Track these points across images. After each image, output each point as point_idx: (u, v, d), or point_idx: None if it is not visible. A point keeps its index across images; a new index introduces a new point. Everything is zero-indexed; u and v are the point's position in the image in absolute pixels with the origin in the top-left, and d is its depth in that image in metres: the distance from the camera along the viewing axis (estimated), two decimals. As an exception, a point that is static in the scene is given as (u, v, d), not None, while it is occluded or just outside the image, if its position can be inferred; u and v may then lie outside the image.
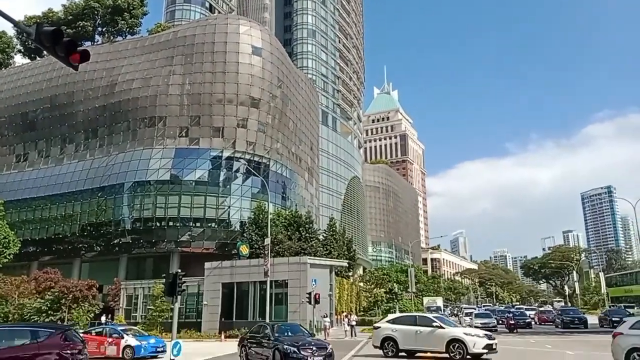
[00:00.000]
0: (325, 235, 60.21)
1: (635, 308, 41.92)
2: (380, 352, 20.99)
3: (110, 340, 24.11)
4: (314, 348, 17.51)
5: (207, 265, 43.36)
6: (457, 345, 18.59)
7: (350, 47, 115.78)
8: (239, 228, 57.18)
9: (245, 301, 41.26)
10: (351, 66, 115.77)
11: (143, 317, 45.21)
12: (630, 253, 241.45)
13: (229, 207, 60.05)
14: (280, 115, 67.60)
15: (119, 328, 26.14)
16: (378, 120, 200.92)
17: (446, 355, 18.87)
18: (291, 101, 71.46)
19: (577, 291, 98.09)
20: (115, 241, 58.20)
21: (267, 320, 34.71)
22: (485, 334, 19.30)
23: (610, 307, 48.52)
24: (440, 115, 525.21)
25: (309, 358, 16.97)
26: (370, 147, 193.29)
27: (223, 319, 39.93)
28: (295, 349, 17.15)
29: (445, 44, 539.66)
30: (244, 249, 44.53)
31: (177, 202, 57.64)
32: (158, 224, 57.75)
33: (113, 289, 49.27)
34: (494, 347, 18.60)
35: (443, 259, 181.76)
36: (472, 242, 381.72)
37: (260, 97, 63.84)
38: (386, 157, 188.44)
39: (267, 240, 37.55)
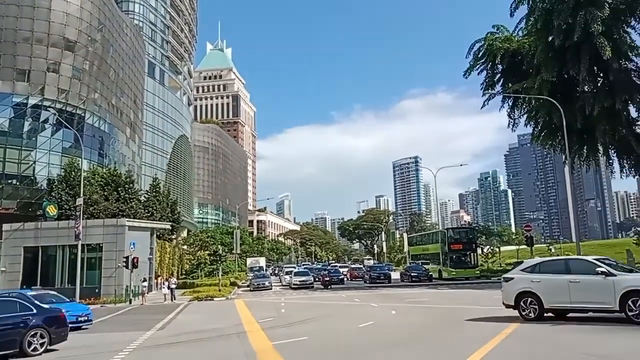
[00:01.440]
0: (147, 196, 57.18)
1: (430, 264, 47.97)
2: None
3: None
4: None
5: (5, 227, 38.33)
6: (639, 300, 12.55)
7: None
8: (46, 186, 51.36)
9: (52, 267, 37.57)
10: (183, 17, 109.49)
11: None
12: (429, 216, 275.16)
13: (35, 162, 53.57)
14: (100, 62, 61.56)
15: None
16: (210, 78, 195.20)
17: (621, 314, 12.96)
18: (113, 47, 65.44)
19: (385, 250, 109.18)
20: None
21: (78, 287, 32.12)
22: None
23: (410, 263, 54.61)
24: (273, 80, 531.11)
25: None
26: (201, 106, 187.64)
27: (24, 287, 35.78)
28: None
29: (287, 12, 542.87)
30: (52, 210, 40.22)
31: (-33, 153, 49.55)
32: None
33: None
34: None
35: (269, 221, 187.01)
36: (296, 204, 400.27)
37: (77, 40, 57.27)
38: (217, 117, 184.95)
39: (80, 201, 34.29)
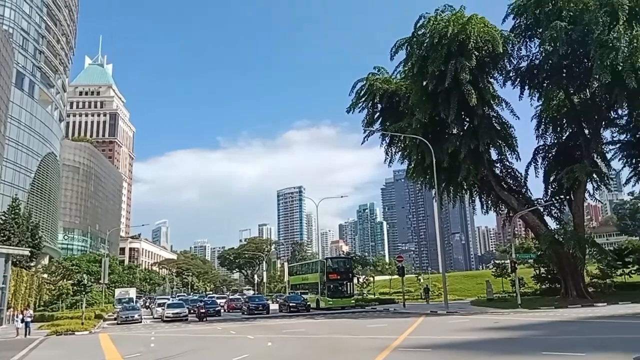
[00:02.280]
0: (4, 218, 51.34)
1: (309, 294, 48.29)
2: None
3: None
4: None
5: None
6: None
7: (62, 6, 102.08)
8: None
9: None
10: (60, 27, 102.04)
11: None
12: (310, 246, 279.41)
13: None
14: (-46, 68, 54.89)
15: None
16: (87, 94, 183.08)
17: None
18: (-28, 52, 58.78)
19: (265, 279, 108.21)
20: None
21: None
22: None
23: (289, 293, 54.54)
24: (157, 101, 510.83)
25: None
26: (74, 122, 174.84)
27: None
28: None
29: (178, 37, 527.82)
30: None
31: None
32: None
33: None
34: None
35: (143, 249, 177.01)
36: (174, 232, 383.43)
37: None
38: (92, 136, 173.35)
39: None
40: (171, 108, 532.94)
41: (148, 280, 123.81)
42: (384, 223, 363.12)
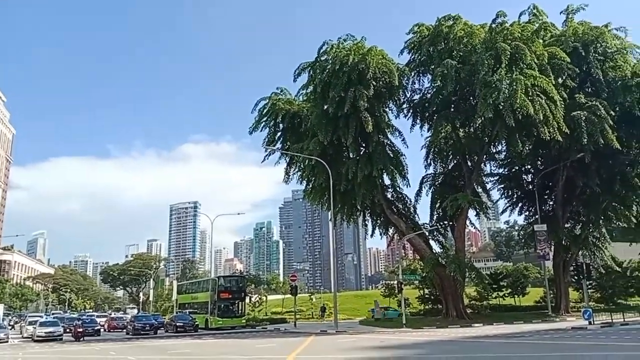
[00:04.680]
0: None
1: (199, 313, 46.67)
2: None
3: None
4: None
5: None
6: None
7: None
8: None
9: None
10: None
11: None
12: (203, 263, 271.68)
13: None
14: None
15: None
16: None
17: None
18: None
19: (152, 298, 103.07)
20: None
21: None
22: None
23: (177, 312, 52.38)
24: (45, 104, 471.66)
25: None
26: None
27: None
28: None
29: (70, 36, 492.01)
30: None
31: None
32: None
33: None
34: None
35: (15, 262, 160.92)
36: (53, 244, 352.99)
37: None
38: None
39: None
40: (60, 112, 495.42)
41: (19, 296, 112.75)
42: (281, 242, 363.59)
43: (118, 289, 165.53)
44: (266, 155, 44.16)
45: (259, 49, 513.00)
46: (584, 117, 34.51)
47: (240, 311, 45.51)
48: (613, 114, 35.35)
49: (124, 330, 45.95)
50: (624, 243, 56.45)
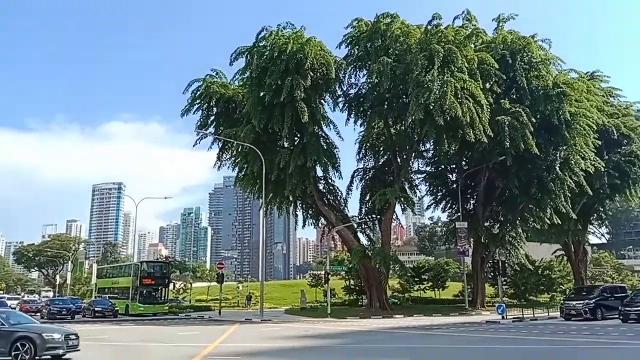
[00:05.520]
0: None
1: (119, 299, 45.13)
2: None
3: None
4: None
5: None
6: None
7: None
8: None
9: None
10: None
11: None
12: (126, 247, 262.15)
13: None
14: None
15: None
16: None
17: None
18: None
19: (69, 281, 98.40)
20: None
21: None
22: None
23: (96, 297, 50.43)
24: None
25: None
26: None
27: None
28: None
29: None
30: None
31: None
32: None
33: None
34: None
35: None
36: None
37: None
38: None
39: None
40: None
41: None
42: (209, 228, 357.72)
43: (33, 270, 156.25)
44: (198, 139, 43.19)
45: (194, 31, 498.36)
46: (507, 122, 36.33)
47: (162, 298, 44.41)
48: (534, 120, 37.37)
49: (38, 314, 43.64)
50: (537, 243, 60.41)
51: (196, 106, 41.67)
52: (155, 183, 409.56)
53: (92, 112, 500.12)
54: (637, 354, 15.75)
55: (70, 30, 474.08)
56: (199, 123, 42.42)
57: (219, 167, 44.37)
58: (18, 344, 14.90)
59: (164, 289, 44.95)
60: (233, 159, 43.36)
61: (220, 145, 43.14)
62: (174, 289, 58.05)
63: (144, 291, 43.02)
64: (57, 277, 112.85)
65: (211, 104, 41.51)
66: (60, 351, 15.35)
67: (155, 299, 43.47)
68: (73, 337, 15.92)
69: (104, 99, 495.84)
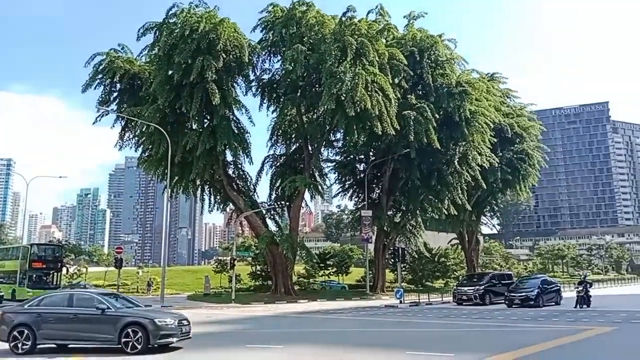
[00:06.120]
0: None
1: (4, 283, 41.86)
2: None
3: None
4: None
5: None
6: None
7: None
8: None
9: None
10: None
11: None
12: (14, 228, 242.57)
13: None
14: None
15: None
16: None
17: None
18: None
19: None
20: None
21: None
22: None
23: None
24: None
25: None
26: None
27: None
28: None
29: None
30: None
31: None
32: None
33: None
34: None
35: None
36: None
37: None
38: None
39: None
40: None
41: None
42: (108, 211, 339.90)
43: None
44: (98, 116, 40.66)
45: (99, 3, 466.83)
46: (412, 117, 37.95)
47: (54, 282, 41.74)
48: (437, 116, 39.38)
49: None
50: (435, 232, 63.96)
51: (98, 81, 39.24)
52: (50, 161, 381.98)
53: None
54: (518, 335, 17.28)
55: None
56: (100, 99, 40.02)
57: (120, 146, 42.27)
58: (129, 330, 13.13)
59: (55, 274, 42.35)
60: (137, 138, 41.45)
61: (122, 123, 41.04)
62: (67, 273, 54.65)
63: (34, 275, 40.27)
64: None
65: (115, 79, 39.18)
66: (175, 339, 13.60)
67: (46, 283, 40.77)
68: (185, 322, 14.11)
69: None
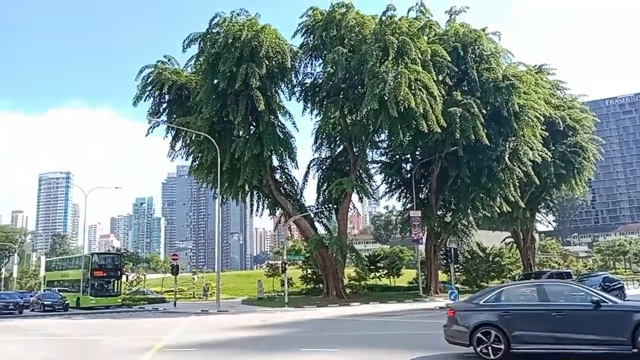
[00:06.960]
0: None
1: (69, 292, 43.88)
2: None
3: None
4: None
5: None
6: None
7: None
8: None
9: None
10: None
11: None
12: (75, 239, 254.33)
13: None
14: None
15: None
16: None
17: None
18: None
19: (15, 274, 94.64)
20: None
21: None
22: None
23: (45, 290, 48.87)
24: None
25: None
26: None
27: None
28: None
29: None
30: None
31: None
32: None
33: None
34: None
35: None
36: None
37: None
38: None
39: None
40: None
41: None
42: (162, 219, 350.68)
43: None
44: (150, 128, 42.16)
45: (147, 16, 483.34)
46: (459, 114, 37.19)
47: (115, 290, 43.52)
48: (484, 112, 38.44)
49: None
50: (488, 231, 62.45)
51: (147, 93, 40.70)
52: (106, 172, 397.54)
53: (38, 98, 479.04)
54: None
55: (15, 9, 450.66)
56: (150, 111, 41.45)
57: (172, 157, 43.66)
58: None
59: (116, 281, 44.06)
60: (187, 148, 42.64)
61: (173, 133, 42.33)
62: (126, 281, 56.82)
63: (96, 283, 42.07)
64: (3, 270, 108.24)
65: (163, 91, 40.58)
66: None
67: (107, 291, 42.58)
68: None
69: (51, 85, 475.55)
